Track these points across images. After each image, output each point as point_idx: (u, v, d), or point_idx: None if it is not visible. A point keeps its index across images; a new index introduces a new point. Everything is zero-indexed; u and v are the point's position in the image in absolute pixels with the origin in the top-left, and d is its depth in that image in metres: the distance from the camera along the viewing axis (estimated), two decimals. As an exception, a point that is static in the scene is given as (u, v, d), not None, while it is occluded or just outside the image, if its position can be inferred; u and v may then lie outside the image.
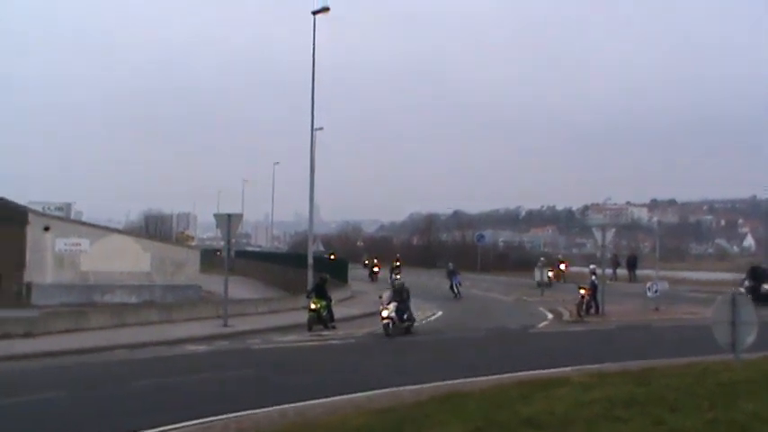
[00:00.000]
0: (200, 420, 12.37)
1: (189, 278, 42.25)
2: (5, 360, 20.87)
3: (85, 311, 30.05)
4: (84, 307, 33.90)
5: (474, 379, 15.66)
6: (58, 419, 13.33)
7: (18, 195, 55.22)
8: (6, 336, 24.39)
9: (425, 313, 34.56)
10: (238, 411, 12.88)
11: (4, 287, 37.43)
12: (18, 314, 28.64)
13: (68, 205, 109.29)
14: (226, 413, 12.76)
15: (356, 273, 57.60)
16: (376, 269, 61.96)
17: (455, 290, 44.19)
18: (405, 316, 27.00)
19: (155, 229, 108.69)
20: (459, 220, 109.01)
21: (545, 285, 44.93)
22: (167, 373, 19.12)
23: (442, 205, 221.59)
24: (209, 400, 14.49)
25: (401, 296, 27.21)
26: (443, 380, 15.63)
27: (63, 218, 55.20)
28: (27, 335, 24.90)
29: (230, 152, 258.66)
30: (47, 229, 39.63)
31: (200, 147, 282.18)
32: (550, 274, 47.91)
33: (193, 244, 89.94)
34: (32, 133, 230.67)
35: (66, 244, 39.91)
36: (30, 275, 38.61)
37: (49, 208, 78.45)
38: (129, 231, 63.98)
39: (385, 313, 26.44)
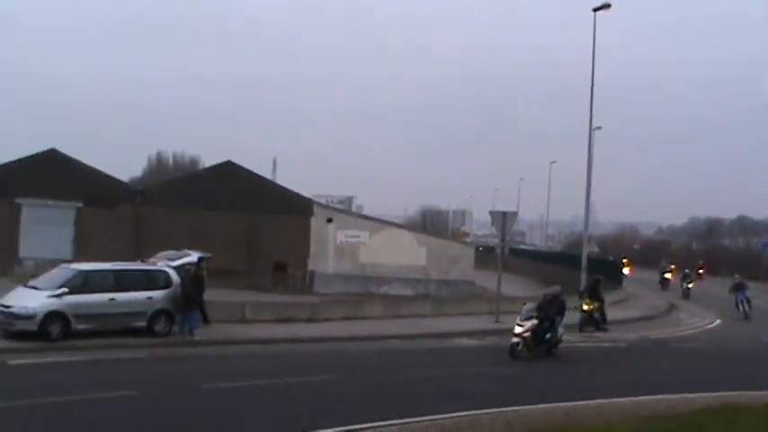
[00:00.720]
0: (466, 413, 12.62)
1: (463, 273, 42.87)
2: (291, 342, 22.27)
3: (362, 301, 31.41)
4: (362, 297, 35.44)
5: (750, 392, 14.97)
6: (337, 400, 14.11)
7: (303, 187, 58.33)
8: (292, 319, 26.05)
9: (703, 321, 34.55)
10: (503, 407, 13.04)
11: (291, 274, 39.77)
12: (302, 300, 30.47)
13: (350, 199, 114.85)
14: (489, 407, 12.96)
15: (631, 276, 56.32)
16: (668, 275, 54.93)
17: (741, 307, 37.58)
18: (546, 336, 21.09)
19: (431, 224, 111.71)
20: (743, 225, 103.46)
21: None
22: (437, 364, 19.68)
23: (727, 209, 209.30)
24: (475, 395, 14.75)
25: (546, 312, 21.18)
26: (717, 391, 15.05)
27: (344, 211, 58.02)
28: (309, 320, 26.43)
29: (508, 150, 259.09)
30: (329, 221, 41.72)
31: (474, 144, 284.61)
32: None
33: (468, 240, 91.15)
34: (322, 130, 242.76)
35: (346, 236, 41.79)
36: (313, 264, 40.80)
37: (332, 201, 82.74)
38: (406, 226, 65.87)
39: (517, 330, 20.79)
